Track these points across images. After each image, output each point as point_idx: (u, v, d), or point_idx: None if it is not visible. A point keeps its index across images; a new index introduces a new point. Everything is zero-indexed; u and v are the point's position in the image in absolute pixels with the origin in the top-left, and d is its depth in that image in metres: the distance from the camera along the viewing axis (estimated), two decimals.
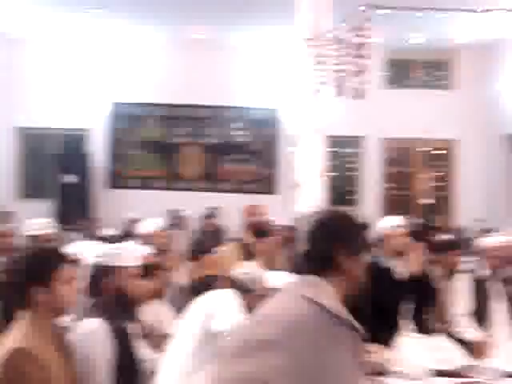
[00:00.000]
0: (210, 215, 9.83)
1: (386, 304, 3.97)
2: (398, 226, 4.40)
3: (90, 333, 2.80)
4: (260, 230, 5.58)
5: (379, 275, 3.98)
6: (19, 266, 2.64)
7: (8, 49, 10.93)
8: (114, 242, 3.46)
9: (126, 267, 3.00)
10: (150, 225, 5.56)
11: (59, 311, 2.70)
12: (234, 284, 3.65)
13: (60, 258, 2.72)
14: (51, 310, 2.63)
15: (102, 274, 2.98)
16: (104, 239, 7.07)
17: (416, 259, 4.26)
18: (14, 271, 2.67)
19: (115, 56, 11.02)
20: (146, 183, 11.30)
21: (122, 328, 2.99)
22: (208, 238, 8.09)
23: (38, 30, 10.30)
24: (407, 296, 4.14)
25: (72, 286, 2.70)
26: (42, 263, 2.63)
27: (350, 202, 11.45)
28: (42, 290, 2.58)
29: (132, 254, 3.08)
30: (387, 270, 4.23)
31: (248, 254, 5.79)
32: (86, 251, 4.02)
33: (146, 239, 5.29)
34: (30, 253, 2.75)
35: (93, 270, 3.02)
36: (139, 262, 3.13)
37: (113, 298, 2.96)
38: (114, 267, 2.97)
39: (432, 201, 11.47)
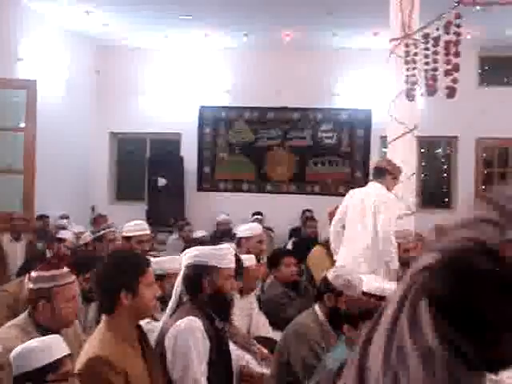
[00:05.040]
0: (308, 218, 9.66)
1: None
2: None
3: (188, 330, 2.87)
4: None
5: None
6: (110, 273, 2.77)
7: (102, 56, 11.31)
8: (205, 244, 3.56)
9: (226, 268, 3.08)
10: (249, 229, 5.51)
11: (143, 315, 2.81)
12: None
13: (146, 264, 2.84)
14: (136, 313, 2.72)
15: (201, 274, 3.04)
16: (195, 241, 7.20)
17: None
18: (104, 278, 2.79)
19: (205, 60, 11.19)
20: (234, 186, 11.39)
21: (217, 327, 3.05)
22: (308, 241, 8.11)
23: (129, 38, 10.60)
24: None
25: (153, 291, 2.81)
26: (131, 269, 2.74)
27: (443, 205, 11.16)
28: (129, 295, 2.68)
29: (231, 256, 3.17)
30: None
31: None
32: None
33: (244, 243, 5.31)
34: (119, 259, 2.86)
35: (191, 270, 3.09)
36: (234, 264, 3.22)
37: (210, 297, 3.03)
38: (214, 267, 3.04)
39: None
